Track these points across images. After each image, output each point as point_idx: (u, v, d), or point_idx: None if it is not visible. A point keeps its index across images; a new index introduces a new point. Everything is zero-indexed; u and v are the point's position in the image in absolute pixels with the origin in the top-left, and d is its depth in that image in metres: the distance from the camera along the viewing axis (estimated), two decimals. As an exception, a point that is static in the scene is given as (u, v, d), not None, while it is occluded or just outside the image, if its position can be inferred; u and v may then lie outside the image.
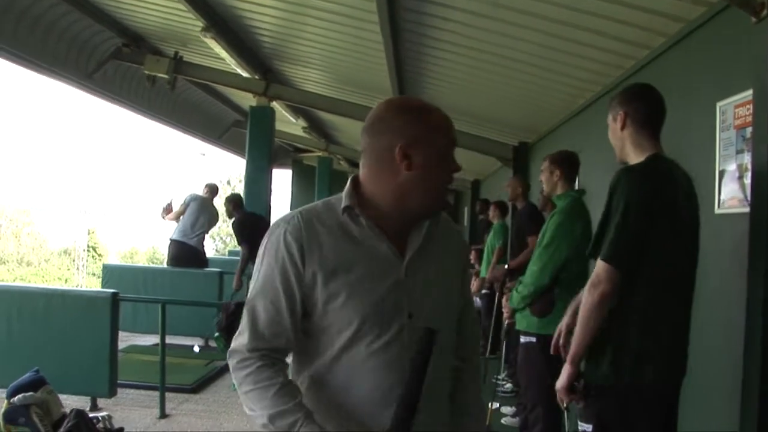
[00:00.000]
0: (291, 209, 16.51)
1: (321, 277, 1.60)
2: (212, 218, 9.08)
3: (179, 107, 11.36)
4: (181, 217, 8.92)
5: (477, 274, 9.45)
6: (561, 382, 2.69)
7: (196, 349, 7.77)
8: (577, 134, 6.58)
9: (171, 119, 10.97)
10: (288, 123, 12.43)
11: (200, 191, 9.19)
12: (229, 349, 1.67)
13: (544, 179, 4.52)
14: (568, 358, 2.63)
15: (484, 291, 8.59)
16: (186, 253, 8.91)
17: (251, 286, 1.68)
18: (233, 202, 7.95)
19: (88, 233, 55.35)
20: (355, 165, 16.12)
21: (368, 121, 1.66)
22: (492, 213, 8.54)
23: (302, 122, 11.39)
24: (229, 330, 5.06)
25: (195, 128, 12.60)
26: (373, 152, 1.65)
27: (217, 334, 5.26)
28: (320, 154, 14.62)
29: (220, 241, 38.45)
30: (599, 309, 2.47)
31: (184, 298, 8.10)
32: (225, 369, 6.83)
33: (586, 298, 2.48)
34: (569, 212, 4.34)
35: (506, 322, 4.81)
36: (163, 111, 10.61)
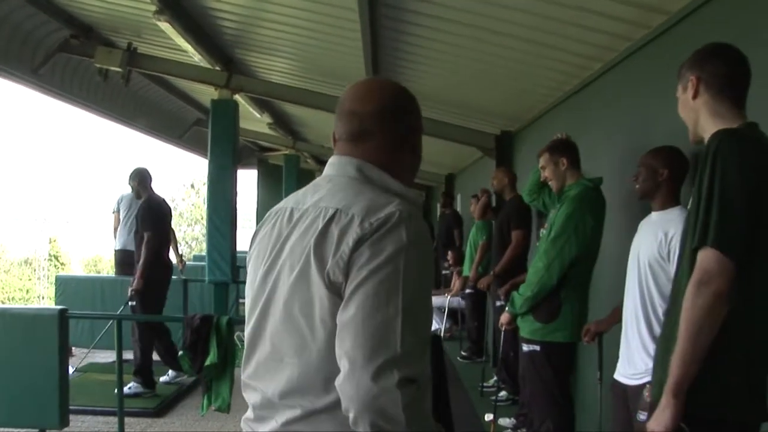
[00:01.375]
0: (257, 212, 15.95)
1: None
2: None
3: (136, 105, 10.68)
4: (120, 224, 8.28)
5: (459, 273, 8.97)
6: (663, 424, 1.93)
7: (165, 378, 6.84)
8: (564, 122, 6.14)
9: (127, 118, 10.29)
10: (253, 120, 11.80)
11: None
12: (404, 377, 1.28)
13: (550, 174, 4.06)
14: (668, 389, 1.92)
15: (468, 290, 8.10)
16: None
17: (405, 287, 1.32)
18: (139, 178, 6.91)
19: (50, 242, 54.19)
20: (322, 163, 15.66)
21: (382, 105, 1.58)
22: (472, 207, 8.06)
23: (267, 118, 10.79)
24: (193, 348, 4.47)
25: (154, 128, 11.91)
26: (388, 136, 1.57)
27: (180, 352, 4.65)
28: (287, 152, 14.00)
29: (185, 245, 37.58)
30: (714, 315, 1.87)
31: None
32: (193, 387, 6.23)
33: (693, 302, 1.88)
34: (581, 202, 3.88)
35: (503, 328, 4.29)
36: (118, 109, 9.92)
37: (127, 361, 7.11)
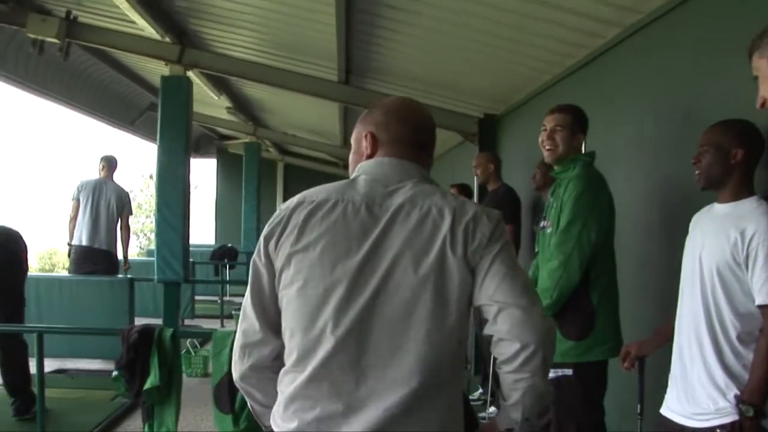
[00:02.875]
0: (216, 203, 15.10)
1: None
2: (119, 201, 7.61)
3: (80, 85, 9.77)
4: (78, 215, 7.46)
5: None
6: None
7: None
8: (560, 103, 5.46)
9: (69, 99, 9.36)
10: (210, 104, 10.94)
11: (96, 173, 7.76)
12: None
13: (560, 139, 3.31)
14: None
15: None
16: (90, 257, 7.45)
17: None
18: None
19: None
20: (286, 152, 14.76)
21: (433, 125, 1.91)
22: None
23: (226, 101, 9.94)
24: (130, 367, 3.66)
25: (102, 111, 11.00)
26: (430, 151, 1.88)
27: (115, 372, 3.84)
28: (248, 139, 13.12)
29: (144, 237, 36.31)
30: None
31: (87, 313, 6.70)
32: (132, 408, 5.41)
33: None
34: (589, 179, 3.22)
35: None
36: (58, 88, 9.00)
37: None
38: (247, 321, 1.71)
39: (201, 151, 17.30)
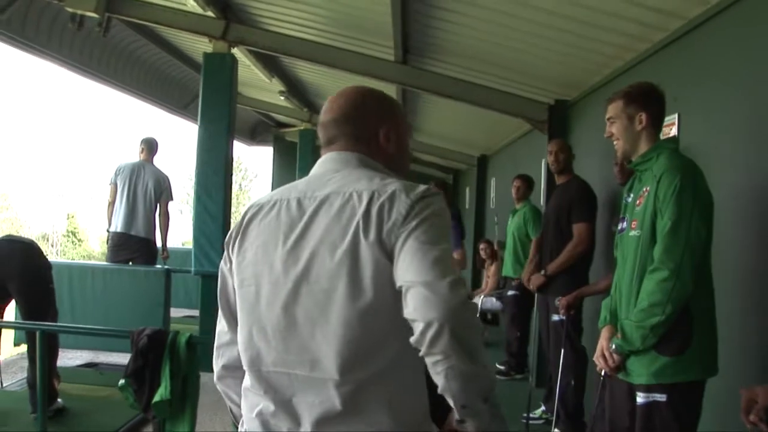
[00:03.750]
0: (272, 190, 14.86)
1: None
2: (157, 186, 7.18)
3: (129, 66, 9.39)
4: (116, 200, 7.07)
5: (498, 269, 7.63)
6: None
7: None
8: None
9: (113, 78, 8.98)
10: (263, 88, 10.49)
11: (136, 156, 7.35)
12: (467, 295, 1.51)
13: (617, 131, 2.83)
14: None
15: (511, 292, 6.75)
16: (126, 244, 7.06)
17: (443, 237, 1.54)
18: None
19: (68, 218, 53.79)
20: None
21: (341, 113, 1.77)
22: (516, 192, 6.70)
23: (279, 84, 9.43)
24: (139, 376, 3.16)
25: (152, 94, 10.61)
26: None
27: (122, 381, 3.34)
28: (303, 126, 12.63)
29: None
30: None
31: (121, 304, 6.32)
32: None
33: None
34: (685, 169, 2.69)
35: (603, 372, 2.89)
36: (105, 69, 8.63)
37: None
38: (219, 323, 1.77)
39: (258, 138, 16.94)
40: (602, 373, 2.90)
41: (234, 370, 1.72)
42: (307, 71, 8.97)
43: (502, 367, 6.84)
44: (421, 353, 1.43)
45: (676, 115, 3.86)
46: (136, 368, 3.23)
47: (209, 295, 6.28)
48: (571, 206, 4.80)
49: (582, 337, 4.83)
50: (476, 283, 9.73)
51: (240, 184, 45.06)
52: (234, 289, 1.67)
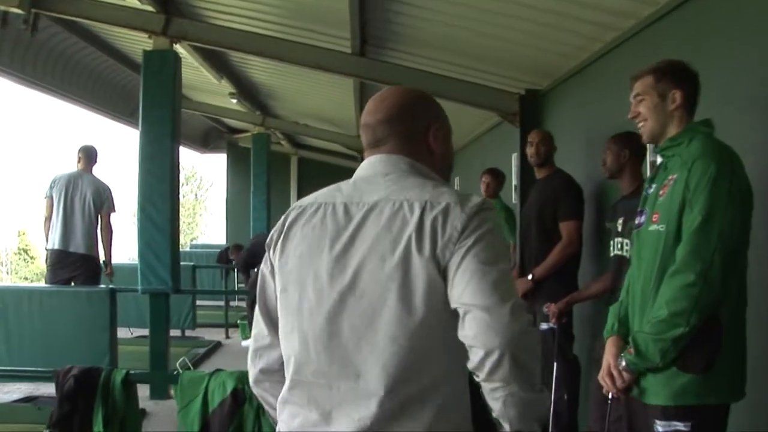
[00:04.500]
0: (227, 200, 14.13)
1: None
2: (96, 197, 6.58)
3: (69, 72, 8.80)
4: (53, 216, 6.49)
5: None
6: None
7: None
8: (618, 74, 4.41)
9: (48, 83, 8.38)
10: (213, 92, 9.95)
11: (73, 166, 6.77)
12: (529, 320, 1.46)
13: (646, 110, 2.40)
14: None
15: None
16: (65, 262, 6.48)
17: (501, 253, 1.52)
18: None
19: (18, 234, 52.33)
20: (300, 145, 13.73)
21: (390, 113, 1.69)
22: (485, 189, 6.28)
23: (228, 86, 8.89)
24: (65, 425, 2.61)
25: (95, 102, 10.04)
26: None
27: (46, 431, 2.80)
28: (256, 131, 12.09)
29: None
30: None
31: (62, 329, 5.76)
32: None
33: None
34: (720, 156, 2.29)
35: (610, 394, 2.43)
36: (36, 71, 8.02)
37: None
38: (257, 326, 1.71)
39: (211, 145, 16.44)
40: (609, 396, 2.45)
41: (272, 374, 1.68)
42: (259, 70, 8.46)
43: (480, 378, 6.41)
44: (479, 379, 1.43)
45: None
46: (62, 416, 2.69)
47: (159, 315, 5.78)
48: (557, 202, 4.37)
49: (573, 346, 4.40)
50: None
51: (196, 194, 44.14)
52: (275, 293, 1.63)
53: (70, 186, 6.52)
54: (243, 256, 9.04)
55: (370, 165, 1.66)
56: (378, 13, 5.15)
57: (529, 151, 4.62)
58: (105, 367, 2.86)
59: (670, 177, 2.32)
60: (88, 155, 6.71)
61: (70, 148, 6.76)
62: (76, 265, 6.44)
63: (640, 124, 2.45)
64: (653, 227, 2.34)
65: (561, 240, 4.31)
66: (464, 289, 1.43)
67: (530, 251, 4.54)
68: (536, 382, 1.41)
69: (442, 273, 1.46)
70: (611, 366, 2.33)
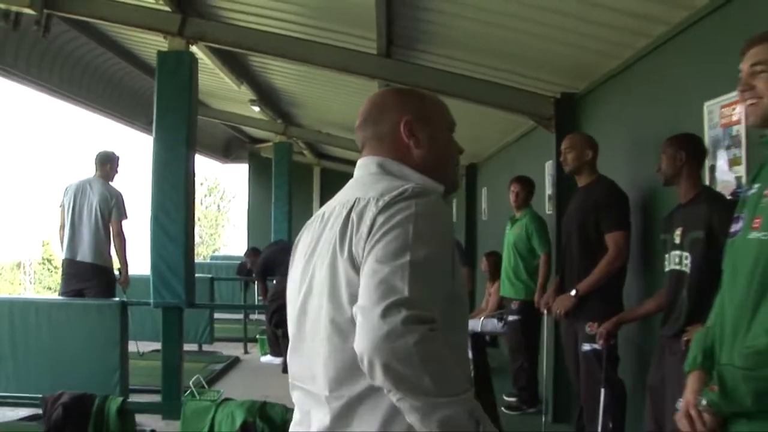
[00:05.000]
0: (248, 213, 13.74)
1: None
2: (103, 204, 6.31)
3: (87, 78, 8.60)
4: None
5: (498, 286, 6.82)
6: None
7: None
8: (658, 78, 4.18)
9: (76, 94, 8.19)
10: (233, 99, 9.69)
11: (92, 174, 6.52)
12: (412, 315, 1.31)
13: (764, 86, 1.94)
14: None
15: (512, 317, 5.97)
16: (75, 272, 6.24)
17: (415, 247, 1.38)
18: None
19: (42, 244, 52.67)
20: (323, 156, 13.37)
21: (366, 114, 1.71)
22: (515, 198, 5.95)
23: (249, 92, 8.61)
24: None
25: (114, 109, 9.80)
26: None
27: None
28: (277, 139, 11.80)
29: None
30: None
31: (71, 344, 5.51)
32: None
33: None
34: None
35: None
36: (59, 82, 7.84)
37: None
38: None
39: (232, 156, 16.20)
40: None
41: None
42: (280, 75, 8.17)
43: (512, 400, 6.02)
44: None
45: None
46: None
47: (172, 330, 5.47)
48: (600, 212, 4.00)
49: (618, 367, 4.02)
50: (473, 303, 8.88)
51: (218, 206, 44.04)
52: None
53: (78, 194, 6.27)
54: (260, 262, 8.70)
55: (355, 170, 1.67)
56: (405, 9, 4.83)
57: (569, 156, 4.27)
58: (98, 394, 2.54)
59: None
60: (102, 161, 6.44)
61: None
62: (86, 275, 6.18)
63: (751, 102, 1.94)
64: (753, 235, 1.88)
65: (607, 253, 3.94)
66: (361, 289, 1.38)
67: (571, 265, 4.18)
68: (428, 389, 1.28)
69: (359, 272, 1.41)
70: (689, 405, 1.92)
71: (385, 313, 1.30)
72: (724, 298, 1.99)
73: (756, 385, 1.75)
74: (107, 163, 6.44)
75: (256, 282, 9.59)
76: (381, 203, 1.43)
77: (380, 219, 1.42)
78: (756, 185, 1.98)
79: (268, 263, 8.35)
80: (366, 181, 1.58)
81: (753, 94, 1.91)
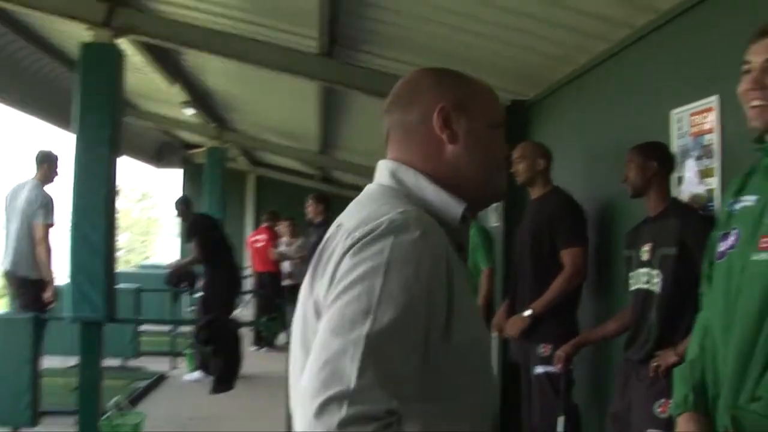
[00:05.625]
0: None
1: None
2: (27, 207, 5.81)
3: (7, 73, 7.99)
4: None
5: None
6: None
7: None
8: (613, 84, 4.08)
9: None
10: (166, 101, 9.24)
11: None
12: (354, 414, 1.04)
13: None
14: None
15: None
16: (8, 283, 5.87)
17: (379, 313, 1.10)
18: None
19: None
20: (258, 163, 12.90)
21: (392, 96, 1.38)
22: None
23: (181, 93, 8.19)
24: None
25: (38, 107, 9.19)
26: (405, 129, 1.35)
27: None
28: (210, 144, 11.35)
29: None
30: None
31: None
32: None
33: None
34: None
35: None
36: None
37: None
38: None
39: (165, 161, 15.66)
40: None
41: None
42: (215, 75, 7.80)
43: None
44: None
45: (716, 98, 2.87)
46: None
47: (91, 347, 5.04)
48: (555, 226, 3.75)
49: (573, 390, 3.77)
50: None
51: (150, 212, 42.92)
52: None
53: (9, 199, 5.82)
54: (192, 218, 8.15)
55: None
56: (350, 5, 4.54)
57: (521, 166, 4.01)
58: None
59: None
60: (39, 162, 5.93)
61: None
62: (16, 286, 5.75)
63: (759, 103, 1.68)
64: (762, 256, 1.63)
65: (563, 270, 3.69)
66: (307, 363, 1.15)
67: (524, 283, 3.91)
68: None
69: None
70: None
71: (322, 411, 1.05)
72: (711, 325, 1.73)
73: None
74: (44, 163, 5.91)
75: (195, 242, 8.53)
76: (350, 241, 1.16)
77: (345, 265, 1.15)
78: (750, 197, 1.75)
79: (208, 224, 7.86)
80: (362, 197, 1.31)
81: (764, 95, 1.65)
